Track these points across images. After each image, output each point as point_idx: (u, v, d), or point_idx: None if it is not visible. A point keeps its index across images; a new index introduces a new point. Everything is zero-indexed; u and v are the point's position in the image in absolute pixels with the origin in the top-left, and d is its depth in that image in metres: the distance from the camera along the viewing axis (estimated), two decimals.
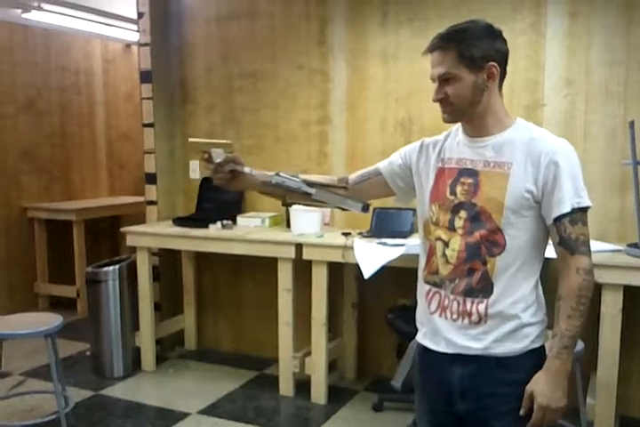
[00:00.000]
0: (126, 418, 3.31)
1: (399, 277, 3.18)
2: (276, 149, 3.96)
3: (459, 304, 1.62)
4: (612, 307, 2.74)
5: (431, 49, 1.60)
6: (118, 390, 3.65)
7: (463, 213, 1.61)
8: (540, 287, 1.66)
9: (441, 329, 1.65)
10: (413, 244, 3.02)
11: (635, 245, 2.85)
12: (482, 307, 1.59)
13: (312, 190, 1.62)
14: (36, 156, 5.29)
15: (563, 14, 3.18)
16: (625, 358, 2.86)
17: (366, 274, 3.04)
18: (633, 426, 3.16)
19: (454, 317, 1.63)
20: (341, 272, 3.68)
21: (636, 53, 3.08)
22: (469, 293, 1.60)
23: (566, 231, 1.55)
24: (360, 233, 3.44)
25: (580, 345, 2.63)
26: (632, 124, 2.81)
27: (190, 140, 1.83)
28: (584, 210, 1.56)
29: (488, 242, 1.58)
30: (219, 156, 1.54)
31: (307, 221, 3.52)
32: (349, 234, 3.40)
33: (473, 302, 1.60)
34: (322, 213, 3.58)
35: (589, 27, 3.15)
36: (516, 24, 3.26)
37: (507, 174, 1.57)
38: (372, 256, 3.09)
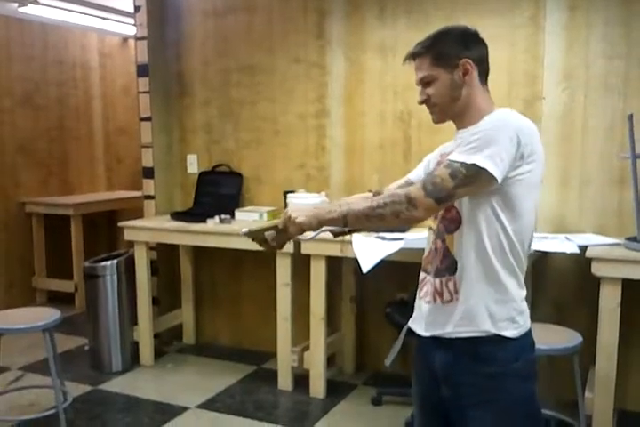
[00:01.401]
0: (125, 413, 3.31)
1: (397, 271, 3.18)
2: (274, 143, 3.94)
3: (432, 285, 1.68)
4: (610, 301, 2.73)
5: (412, 57, 1.68)
6: (116, 385, 3.64)
7: None
8: (520, 278, 1.63)
9: (423, 313, 1.71)
10: (412, 238, 3.01)
11: (634, 239, 2.84)
12: (451, 285, 1.63)
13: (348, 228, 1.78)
14: (34, 150, 5.28)
15: (562, 7, 3.16)
16: (623, 351, 2.86)
17: (365, 268, 3.03)
18: (631, 420, 3.17)
19: (429, 298, 1.68)
20: (340, 266, 3.67)
21: (635, 47, 3.07)
22: (438, 273, 1.66)
23: (431, 169, 1.66)
24: None
25: (578, 339, 2.63)
26: (631, 117, 2.80)
27: (243, 232, 1.80)
28: (466, 165, 1.48)
29: (445, 220, 1.64)
30: (272, 236, 1.72)
31: None
32: None
33: (442, 282, 1.65)
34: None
35: (589, 20, 3.13)
36: (515, 17, 3.24)
37: None
38: (370, 250, 3.08)
